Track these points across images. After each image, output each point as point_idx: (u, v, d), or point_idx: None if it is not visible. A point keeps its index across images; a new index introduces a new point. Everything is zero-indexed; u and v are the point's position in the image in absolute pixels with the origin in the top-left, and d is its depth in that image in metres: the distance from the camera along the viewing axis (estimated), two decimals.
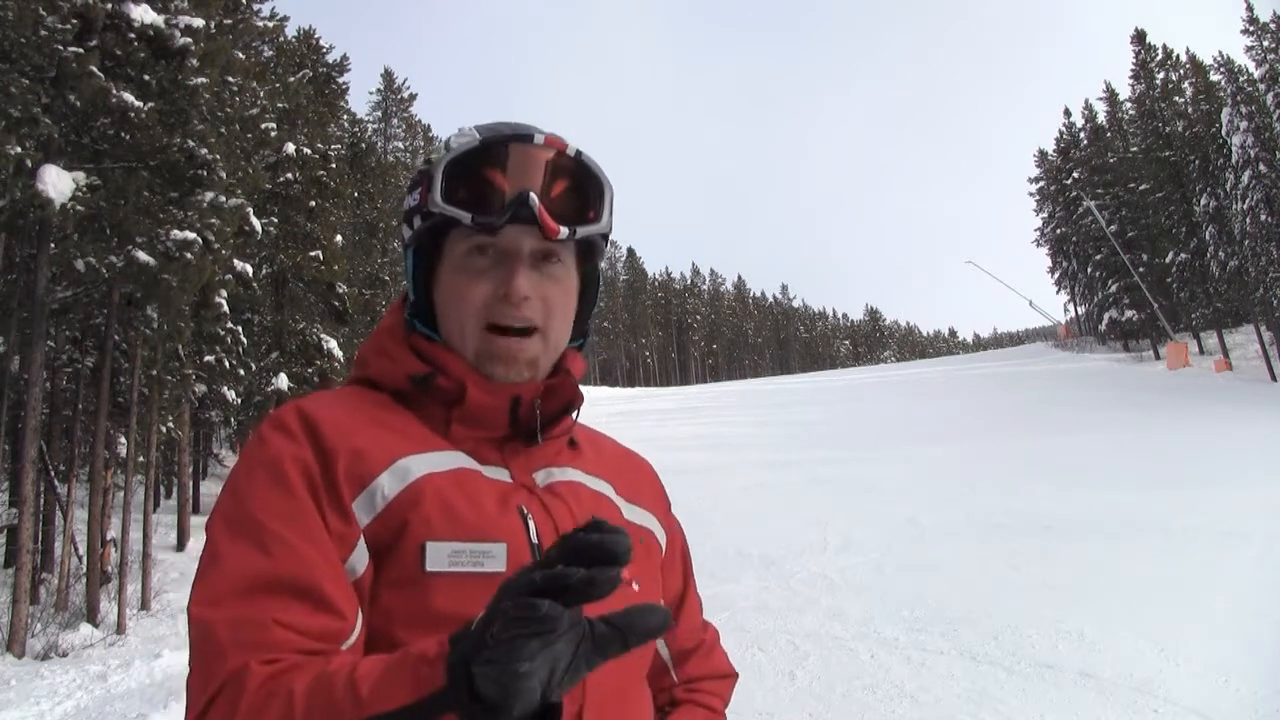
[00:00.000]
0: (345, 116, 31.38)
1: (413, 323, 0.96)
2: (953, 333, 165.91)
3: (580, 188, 0.92)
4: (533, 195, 0.87)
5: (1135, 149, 40.30)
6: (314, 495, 0.80)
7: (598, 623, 0.54)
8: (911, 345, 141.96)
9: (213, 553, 0.78)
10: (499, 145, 0.89)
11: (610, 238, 0.99)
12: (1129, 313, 40.07)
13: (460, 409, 0.89)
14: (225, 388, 16.85)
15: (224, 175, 12.94)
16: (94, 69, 10.41)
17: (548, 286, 0.91)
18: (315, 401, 0.89)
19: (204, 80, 12.21)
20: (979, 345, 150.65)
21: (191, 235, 11.56)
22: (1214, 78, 34.45)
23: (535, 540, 0.84)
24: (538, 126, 0.92)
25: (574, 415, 0.98)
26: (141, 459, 14.64)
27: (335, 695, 0.62)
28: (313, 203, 20.04)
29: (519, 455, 0.91)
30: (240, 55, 15.77)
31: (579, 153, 0.92)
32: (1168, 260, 36.52)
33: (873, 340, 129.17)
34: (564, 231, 0.89)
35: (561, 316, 0.94)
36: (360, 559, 0.79)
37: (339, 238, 21.23)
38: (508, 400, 0.89)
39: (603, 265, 1.03)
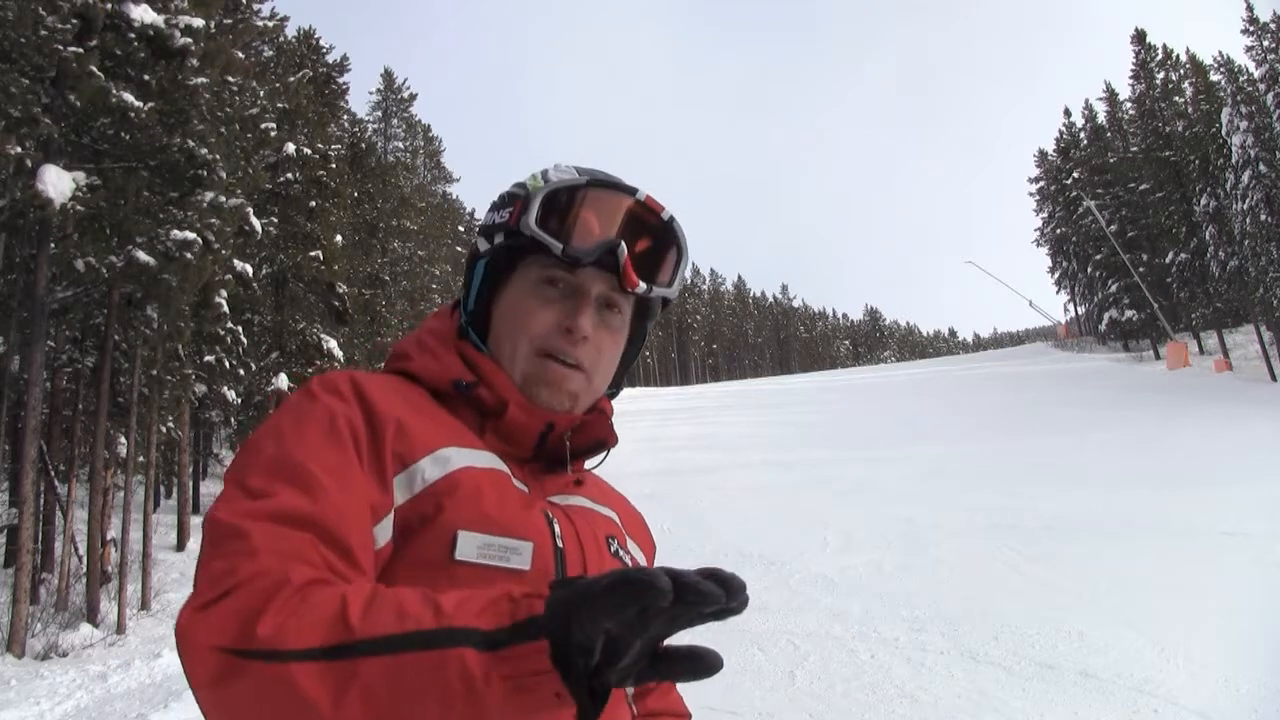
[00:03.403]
0: (345, 116, 31.34)
1: (466, 330, 0.99)
2: (953, 333, 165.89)
3: (661, 250, 0.97)
4: (623, 245, 0.91)
5: (1135, 149, 40.26)
6: (359, 457, 0.79)
7: (667, 646, 0.57)
8: (911, 345, 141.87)
9: (245, 485, 0.74)
10: (600, 190, 0.93)
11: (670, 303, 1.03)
12: (1129, 313, 40.03)
13: (497, 423, 0.92)
14: (225, 388, 16.84)
15: (224, 175, 12.95)
16: (94, 69, 10.41)
17: (603, 335, 0.95)
18: (364, 375, 0.89)
19: (204, 80, 12.21)
20: (979, 345, 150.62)
21: (191, 235, 11.56)
22: (1214, 78, 34.43)
23: (560, 544, 0.86)
24: (638, 185, 0.96)
25: (604, 455, 1.02)
26: (141, 459, 14.64)
27: (407, 605, 0.60)
28: (313, 203, 20.03)
29: (537, 478, 0.94)
30: (240, 55, 15.76)
31: (671, 219, 0.96)
32: (1168, 260, 36.49)
33: (873, 340, 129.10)
34: (641, 286, 0.93)
35: (608, 365, 0.98)
36: (384, 533, 0.79)
37: (339, 238, 21.20)
38: (542, 425, 0.92)
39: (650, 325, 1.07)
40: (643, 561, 1.06)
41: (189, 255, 11.40)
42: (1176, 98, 37.11)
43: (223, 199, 12.62)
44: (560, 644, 0.55)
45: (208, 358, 16.03)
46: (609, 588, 0.53)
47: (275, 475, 0.74)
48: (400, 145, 45.66)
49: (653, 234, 0.95)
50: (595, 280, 0.93)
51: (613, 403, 1.03)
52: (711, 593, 0.53)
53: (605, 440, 0.98)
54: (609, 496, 1.06)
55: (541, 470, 0.94)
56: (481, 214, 1.07)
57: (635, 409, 32.00)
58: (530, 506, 0.87)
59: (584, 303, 0.92)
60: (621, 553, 0.96)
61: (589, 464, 1.03)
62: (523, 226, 0.92)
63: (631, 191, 0.93)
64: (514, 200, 0.95)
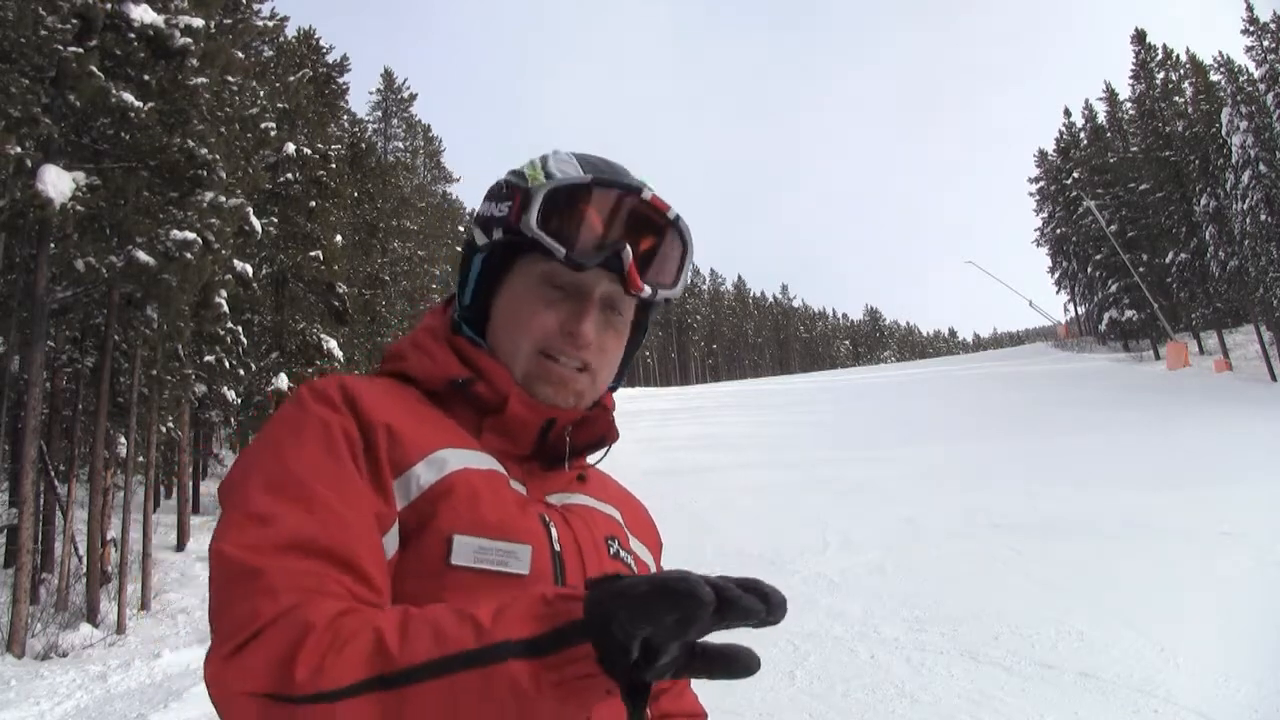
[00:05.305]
0: (345, 116, 31.33)
1: (460, 326, 0.96)
2: (953, 333, 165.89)
3: (666, 249, 0.93)
4: (628, 249, 0.88)
5: (1135, 149, 40.28)
6: (358, 467, 0.78)
7: (705, 644, 0.57)
8: (911, 345, 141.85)
9: (249, 509, 0.72)
10: (606, 190, 0.90)
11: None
12: (1129, 313, 40.05)
13: (496, 419, 0.90)
14: (225, 388, 16.84)
15: (224, 175, 12.95)
16: (94, 69, 10.41)
17: (607, 336, 0.93)
18: (353, 380, 0.87)
19: (204, 80, 12.22)
20: (979, 345, 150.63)
21: (191, 235, 11.56)
22: (1214, 78, 34.42)
23: (557, 548, 0.84)
24: (645, 182, 0.93)
25: (605, 450, 1.00)
26: (141, 459, 14.65)
27: (445, 626, 0.59)
28: (313, 203, 20.04)
29: (536, 477, 0.92)
30: (240, 55, 15.76)
31: (677, 218, 0.93)
32: (1168, 260, 36.50)
33: (873, 340, 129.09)
34: (646, 290, 0.90)
35: (612, 363, 0.96)
36: (392, 542, 0.78)
37: (339, 238, 21.21)
38: (542, 420, 0.90)
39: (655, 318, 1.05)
40: (648, 560, 1.04)
41: (189, 255, 11.40)
42: (1176, 98, 37.12)
43: (223, 199, 12.62)
44: (602, 645, 0.55)
45: (208, 358, 16.03)
46: (647, 594, 0.53)
47: (277, 495, 0.73)
48: (400, 145, 45.66)
49: (657, 233, 0.92)
50: (599, 280, 0.89)
51: (614, 400, 1.02)
52: (753, 609, 0.53)
53: (606, 436, 0.96)
54: (613, 493, 1.04)
55: (540, 468, 0.92)
56: None
57: (635, 409, 31.99)
58: (526, 508, 0.86)
59: (588, 306, 0.90)
60: (623, 553, 0.94)
61: (591, 459, 1.01)
62: (524, 227, 0.88)
63: (637, 190, 0.90)
64: (513, 193, 0.92)
